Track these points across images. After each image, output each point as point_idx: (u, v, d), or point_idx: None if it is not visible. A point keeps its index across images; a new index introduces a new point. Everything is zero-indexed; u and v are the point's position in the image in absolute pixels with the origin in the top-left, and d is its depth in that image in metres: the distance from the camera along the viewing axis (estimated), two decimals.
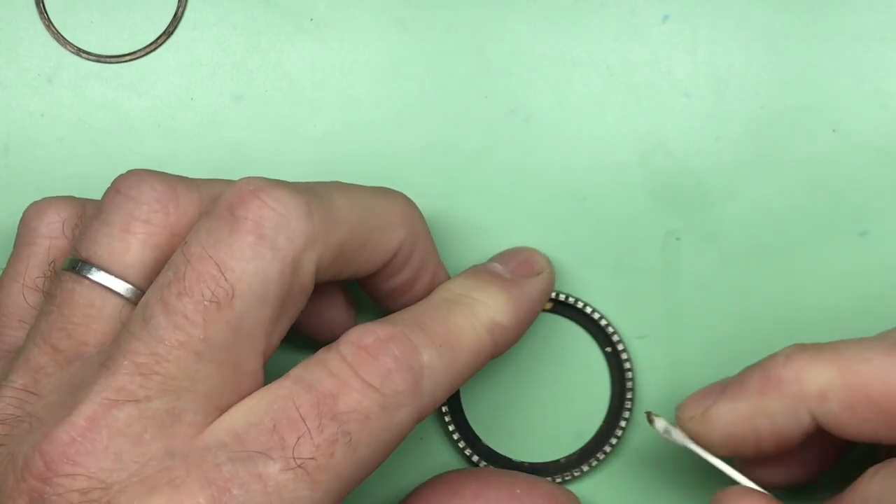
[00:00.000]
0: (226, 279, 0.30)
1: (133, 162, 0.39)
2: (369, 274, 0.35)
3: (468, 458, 0.39)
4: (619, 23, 0.39)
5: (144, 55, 0.39)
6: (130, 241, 0.32)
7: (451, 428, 0.39)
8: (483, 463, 0.39)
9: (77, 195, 0.35)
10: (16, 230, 0.35)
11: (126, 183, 0.32)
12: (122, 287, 0.32)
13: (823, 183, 0.38)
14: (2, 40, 0.39)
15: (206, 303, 0.30)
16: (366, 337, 0.32)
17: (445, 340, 0.33)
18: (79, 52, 0.39)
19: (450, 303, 0.35)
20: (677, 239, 0.39)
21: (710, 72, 0.39)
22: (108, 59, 0.39)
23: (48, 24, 0.39)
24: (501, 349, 0.35)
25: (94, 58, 0.39)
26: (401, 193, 0.35)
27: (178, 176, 0.33)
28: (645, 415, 0.36)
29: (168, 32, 0.39)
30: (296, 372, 0.31)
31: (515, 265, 0.37)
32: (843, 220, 0.38)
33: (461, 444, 0.39)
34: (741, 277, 0.39)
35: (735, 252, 0.39)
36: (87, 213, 0.34)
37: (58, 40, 0.39)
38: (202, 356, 0.30)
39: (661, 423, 0.35)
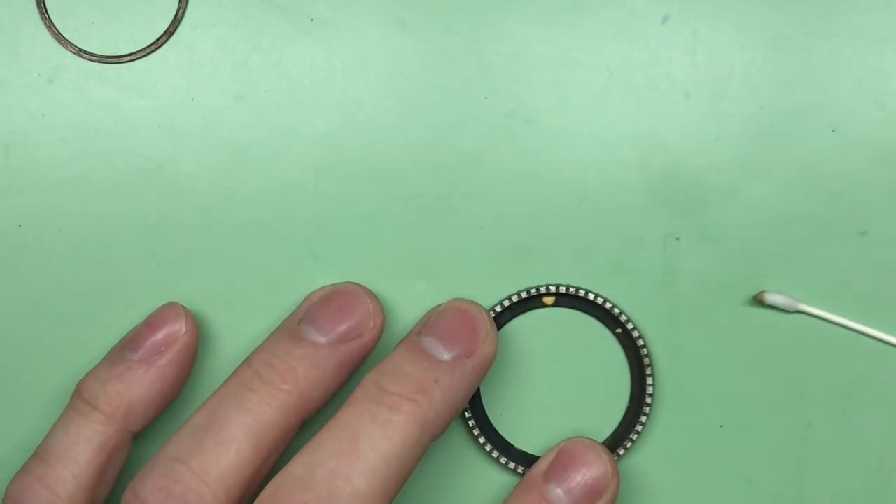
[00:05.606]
0: None
1: (134, 162, 0.39)
2: None
3: (491, 456, 0.39)
4: (619, 23, 0.39)
5: (145, 56, 0.39)
6: None
7: (471, 423, 0.38)
8: (504, 459, 0.39)
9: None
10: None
11: None
12: None
13: (823, 183, 0.38)
14: (3, 41, 0.39)
15: None
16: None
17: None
18: (80, 52, 0.39)
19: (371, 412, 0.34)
20: (677, 239, 0.39)
21: (710, 72, 0.39)
22: (108, 60, 0.39)
23: (49, 24, 0.39)
24: (437, 433, 0.35)
25: (94, 58, 0.39)
26: None
27: None
28: (754, 300, 0.38)
29: (169, 33, 0.39)
30: None
31: (456, 340, 0.36)
32: (843, 220, 0.38)
33: (488, 448, 0.38)
34: (741, 277, 0.39)
35: (735, 252, 0.39)
36: None
37: (59, 41, 0.39)
38: None
39: (772, 297, 0.38)
